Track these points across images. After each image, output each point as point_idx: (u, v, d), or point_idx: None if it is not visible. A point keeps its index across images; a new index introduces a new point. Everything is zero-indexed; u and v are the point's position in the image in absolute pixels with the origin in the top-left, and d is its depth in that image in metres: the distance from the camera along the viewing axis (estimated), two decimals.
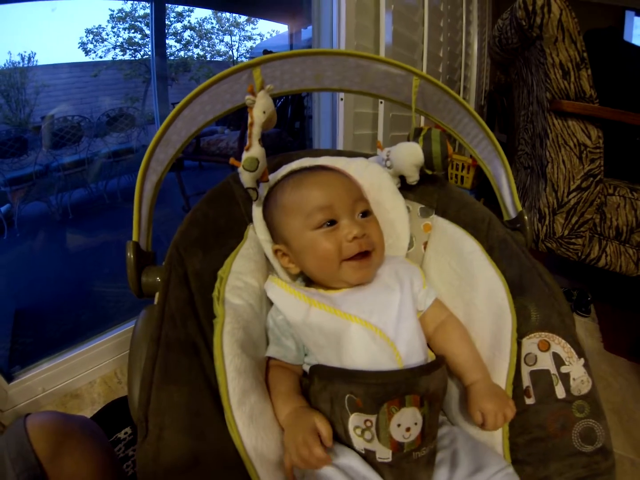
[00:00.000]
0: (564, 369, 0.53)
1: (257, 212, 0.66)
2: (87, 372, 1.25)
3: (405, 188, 0.75)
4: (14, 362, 1.23)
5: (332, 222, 0.59)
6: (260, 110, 0.57)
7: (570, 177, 1.24)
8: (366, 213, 0.63)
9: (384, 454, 0.46)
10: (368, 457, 0.47)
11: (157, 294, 0.53)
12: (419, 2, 1.70)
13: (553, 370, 0.53)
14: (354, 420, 0.47)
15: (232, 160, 0.58)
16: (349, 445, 0.48)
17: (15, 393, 1.12)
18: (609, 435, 0.50)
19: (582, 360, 0.53)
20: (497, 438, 0.53)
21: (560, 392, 0.52)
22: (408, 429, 0.46)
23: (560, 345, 0.54)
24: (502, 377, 0.55)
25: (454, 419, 0.59)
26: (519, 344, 0.56)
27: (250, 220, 0.67)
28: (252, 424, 0.46)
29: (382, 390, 0.46)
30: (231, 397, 0.46)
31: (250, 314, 0.55)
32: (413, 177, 0.72)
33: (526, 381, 0.54)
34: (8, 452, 0.49)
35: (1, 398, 1.10)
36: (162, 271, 0.53)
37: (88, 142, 3.53)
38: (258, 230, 0.66)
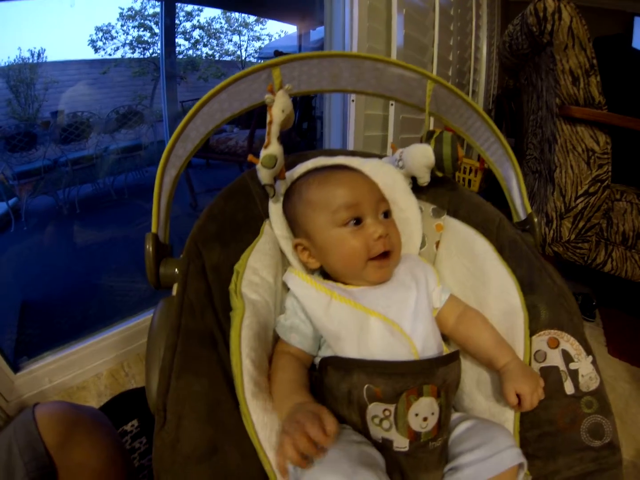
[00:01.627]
0: (572, 366, 0.54)
1: (274, 208, 0.67)
2: (94, 365, 1.26)
3: (417, 189, 0.76)
4: (20, 353, 1.24)
5: (358, 221, 0.60)
6: (280, 109, 0.58)
7: (578, 182, 1.25)
8: (387, 214, 0.64)
9: (402, 443, 0.47)
10: (385, 446, 0.48)
11: (174, 286, 0.54)
12: (429, 6, 1.71)
13: (562, 367, 0.54)
14: (373, 410, 0.48)
15: (250, 157, 0.59)
16: (365, 434, 0.49)
17: (22, 384, 1.13)
18: (616, 430, 0.51)
19: (590, 358, 0.54)
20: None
21: (569, 388, 0.53)
22: (425, 419, 0.47)
23: (569, 343, 0.55)
24: None
25: (466, 411, 0.60)
26: (529, 342, 0.57)
27: (267, 216, 0.68)
28: (265, 416, 0.47)
29: (401, 380, 0.47)
30: (246, 389, 0.47)
31: (266, 310, 0.57)
32: (424, 178, 0.74)
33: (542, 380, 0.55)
34: (17, 441, 0.50)
35: (7, 388, 1.10)
36: (180, 263, 0.54)
37: (97, 138, 3.56)
38: (275, 225, 0.67)
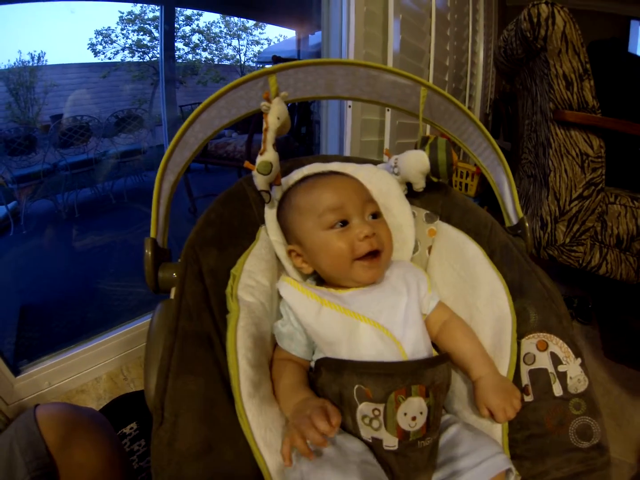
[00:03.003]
0: (561, 368, 0.55)
1: (269, 214, 0.69)
2: (93, 369, 1.26)
3: (411, 195, 0.78)
4: (19, 356, 1.25)
5: (344, 223, 0.62)
6: (275, 116, 0.59)
7: (572, 185, 1.26)
8: (376, 215, 0.65)
9: (391, 442, 0.48)
10: (375, 445, 0.49)
11: (172, 289, 0.56)
12: (426, 11, 1.72)
13: (551, 369, 0.55)
14: (363, 410, 0.49)
15: (246, 164, 0.60)
16: (356, 434, 0.50)
17: (22, 387, 1.13)
18: (605, 432, 0.52)
19: (579, 360, 0.55)
20: (497, 434, 0.55)
21: (557, 390, 0.54)
22: (414, 418, 0.49)
23: (557, 346, 0.56)
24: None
25: (456, 413, 0.61)
26: (518, 344, 0.58)
27: (263, 222, 0.69)
28: (261, 415, 0.48)
29: (390, 380, 0.49)
30: (242, 389, 0.48)
31: (262, 312, 0.58)
32: (419, 184, 0.75)
33: (525, 379, 0.56)
34: (18, 442, 0.50)
35: (7, 391, 1.10)
36: (178, 267, 0.56)
37: (96, 142, 3.56)
38: (270, 231, 0.68)
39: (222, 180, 3.41)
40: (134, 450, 0.98)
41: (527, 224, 0.72)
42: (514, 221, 0.75)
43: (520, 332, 0.59)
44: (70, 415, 0.57)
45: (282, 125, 0.61)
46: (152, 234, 0.58)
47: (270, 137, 0.59)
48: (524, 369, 0.57)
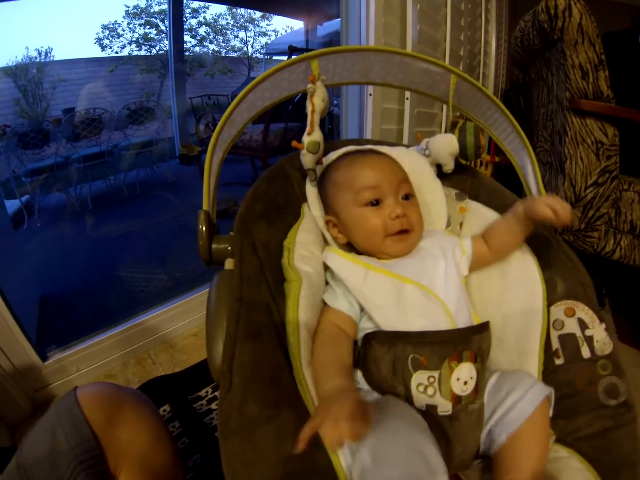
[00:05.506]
0: (588, 332, 0.59)
1: (312, 191, 0.73)
2: (121, 353, 1.30)
3: (441, 176, 0.82)
4: (43, 344, 1.26)
5: (378, 201, 0.66)
6: (320, 98, 0.64)
7: (588, 172, 1.29)
8: (408, 196, 0.69)
9: (445, 407, 0.52)
10: (429, 412, 0.52)
11: (227, 261, 0.59)
12: (441, 1, 1.75)
13: (579, 334, 0.59)
14: (417, 378, 0.52)
15: (294, 143, 0.64)
16: (409, 403, 0.52)
17: (50, 372, 1.16)
18: (630, 390, 0.56)
19: (603, 325, 0.59)
20: None
21: (585, 352, 0.58)
22: (465, 383, 0.52)
23: (584, 312, 0.60)
24: (535, 341, 0.61)
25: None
26: (548, 311, 0.63)
27: (305, 199, 0.73)
28: None
29: (444, 347, 0.52)
30: (302, 357, 0.52)
31: (319, 281, 0.62)
32: (449, 166, 0.79)
33: (555, 344, 0.61)
34: (61, 426, 0.49)
35: (35, 376, 1.13)
36: (233, 239, 0.59)
37: (108, 134, 3.59)
38: (312, 207, 0.72)
39: (235, 169, 3.43)
40: None
41: None
42: None
43: (549, 300, 0.64)
44: (113, 394, 0.57)
45: (325, 107, 0.66)
46: (205, 206, 0.61)
47: (316, 118, 0.63)
48: (554, 334, 0.61)
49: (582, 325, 0.60)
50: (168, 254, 2.33)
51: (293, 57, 0.72)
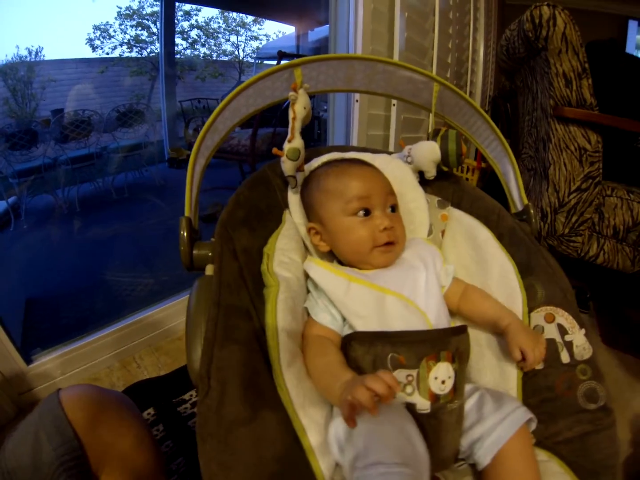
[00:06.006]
0: (567, 338, 0.60)
1: (293, 198, 0.73)
2: (106, 357, 1.28)
3: (424, 183, 0.83)
4: (28, 347, 1.24)
5: (367, 212, 0.66)
6: (302, 105, 0.64)
7: (571, 178, 1.31)
8: (394, 208, 0.70)
9: (424, 406, 0.52)
10: (409, 410, 0.52)
11: (207, 267, 0.59)
12: (430, 9, 1.77)
13: (558, 339, 0.60)
14: (397, 377, 0.52)
15: (275, 150, 0.65)
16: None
17: (34, 375, 1.14)
18: (609, 395, 0.57)
19: (583, 330, 0.60)
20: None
21: (565, 357, 0.59)
22: (443, 382, 0.53)
23: (563, 317, 0.61)
24: None
25: (474, 382, 0.65)
26: (528, 318, 0.64)
27: (286, 206, 0.74)
28: (299, 384, 0.51)
29: (422, 346, 0.53)
30: (282, 359, 0.52)
31: (298, 286, 0.62)
32: (431, 173, 0.80)
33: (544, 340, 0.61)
34: (44, 427, 0.49)
35: (20, 380, 1.11)
36: (214, 245, 0.59)
37: (97, 136, 3.56)
38: (294, 214, 0.73)
39: (223, 174, 3.42)
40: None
41: (532, 210, 0.77)
42: (520, 207, 0.79)
43: (530, 307, 0.64)
44: (96, 396, 0.57)
45: (307, 114, 0.66)
46: (187, 213, 0.60)
47: (297, 125, 0.64)
48: None
49: (562, 330, 0.61)
50: (155, 257, 2.32)
51: (283, 62, 0.72)
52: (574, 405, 0.57)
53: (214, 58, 6.98)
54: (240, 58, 7.14)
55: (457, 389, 0.55)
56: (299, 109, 0.64)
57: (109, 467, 0.52)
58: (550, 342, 0.60)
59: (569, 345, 0.59)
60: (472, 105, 0.79)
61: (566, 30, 1.21)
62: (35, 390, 1.15)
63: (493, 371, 0.63)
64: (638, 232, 1.27)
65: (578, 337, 0.60)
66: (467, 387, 0.60)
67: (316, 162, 0.78)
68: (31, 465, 0.47)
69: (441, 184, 0.85)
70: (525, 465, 0.50)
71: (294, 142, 0.63)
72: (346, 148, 0.85)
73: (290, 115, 0.64)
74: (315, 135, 4.53)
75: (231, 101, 0.65)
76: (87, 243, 2.76)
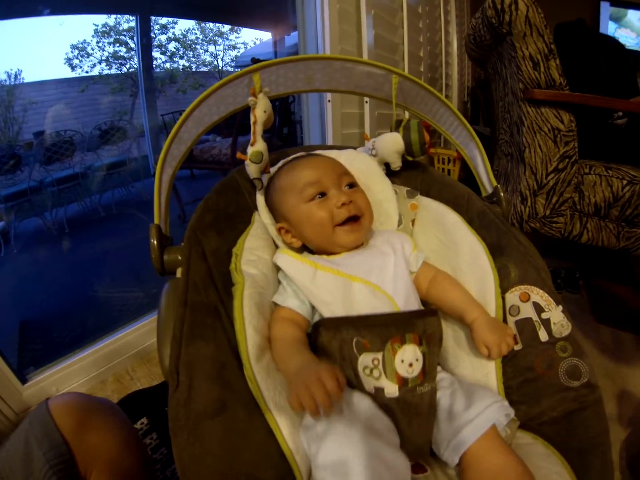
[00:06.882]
0: (544, 315, 0.60)
1: (260, 199, 0.74)
2: (99, 372, 1.29)
3: (392, 174, 0.84)
4: (23, 368, 1.25)
5: (322, 194, 0.68)
6: (262, 109, 0.65)
7: (547, 159, 1.32)
8: (352, 184, 0.71)
9: (392, 389, 0.53)
10: (378, 395, 0.53)
11: (178, 270, 0.60)
12: (397, 6, 1.78)
13: (535, 318, 0.60)
14: (363, 361, 0.53)
15: (239, 155, 0.66)
16: (360, 388, 0.54)
17: (30, 394, 1.15)
18: (593, 371, 0.56)
19: (560, 307, 0.60)
20: (492, 384, 0.59)
21: (543, 335, 0.59)
22: (411, 365, 0.53)
23: (539, 295, 0.61)
24: None
25: (452, 370, 0.65)
26: (503, 299, 0.64)
27: (255, 208, 0.75)
28: (269, 377, 0.52)
29: (385, 329, 0.54)
30: (250, 353, 0.52)
31: (265, 281, 0.63)
32: (396, 163, 0.82)
33: (513, 330, 0.61)
34: (33, 433, 0.51)
35: (16, 400, 1.11)
36: (183, 249, 0.60)
37: (81, 156, 3.55)
38: (262, 215, 0.74)
39: (209, 185, 3.43)
40: (147, 444, 1.00)
41: (501, 192, 0.78)
42: (489, 190, 0.80)
43: (504, 287, 0.65)
44: (83, 402, 0.59)
45: (268, 117, 0.67)
46: (156, 220, 0.62)
47: (259, 129, 0.65)
48: (511, 320, 0.62)
49: (538, 308, 0.61)
50: (144, 271, 2.32)
51: None
52: (556, 384, 0.57)
53: (194, 69, 6.98)
54: (220, 68, 7.14)
55: (426, 372, 0.55)
56: (260, 113, 0.65)
57: (96, 469, 0.54)
58: (527, 321, 0.61)
59: (546, 323, 0.59)
60: (433, 94, 0.80)
61: (529, 13, 1.22)
62: (31, 408, 1.15)
63: (469, 355, 0.63)
64: (620, 208, 1.28)
65: (555, 314, 0.60)
66: (442, 377, 0.60)
67: (280, 163, 0.79)
68: (23, 470, 0.49)
69: (409, 174, 0.86)
70: (500, 461, 0.48)
71: (257, 146, 0.64)
72: (314, 147, 0.86)
73: (252, 119, 0.65)
74: (299, 139, 4.54)
75: (193, 111, 0.66)
76: (77, 262, 2.76)
